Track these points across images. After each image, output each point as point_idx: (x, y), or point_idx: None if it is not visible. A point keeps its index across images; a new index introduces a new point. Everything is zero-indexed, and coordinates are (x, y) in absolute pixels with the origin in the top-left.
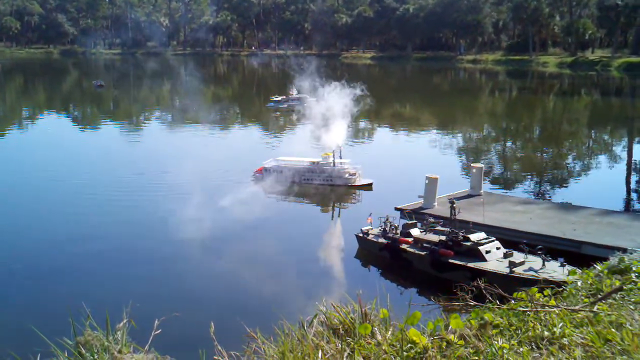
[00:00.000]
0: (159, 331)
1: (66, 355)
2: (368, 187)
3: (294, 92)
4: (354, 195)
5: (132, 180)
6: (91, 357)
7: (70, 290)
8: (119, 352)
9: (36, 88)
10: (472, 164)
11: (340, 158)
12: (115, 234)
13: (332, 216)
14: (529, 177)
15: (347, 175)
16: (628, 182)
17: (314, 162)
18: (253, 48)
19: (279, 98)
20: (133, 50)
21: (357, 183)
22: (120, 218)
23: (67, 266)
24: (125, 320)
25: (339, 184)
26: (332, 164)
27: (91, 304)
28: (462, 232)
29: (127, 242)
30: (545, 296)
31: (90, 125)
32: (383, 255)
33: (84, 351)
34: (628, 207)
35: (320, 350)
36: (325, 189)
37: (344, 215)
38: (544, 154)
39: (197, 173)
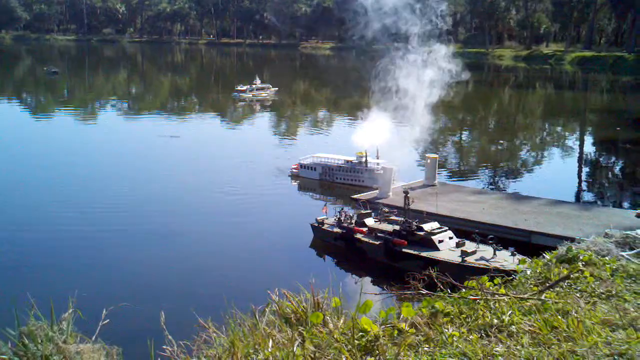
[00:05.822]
0: (106, 321)
1: (9, 345)
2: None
3: (257, 82)
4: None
5: (80, 170)
6: (35, 348)
7: (13, 280)
8: (64, 342)
9: None
10: (427, 155)
11: (377, 158)
12: (61, 223)
13: (300, 207)
14: (484, 168)
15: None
16: (579, 173)
17: (347, 161)
18: (211, 37)
19: (244, 88)
20: (88, 37)
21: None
22: (66, 206)
23: (10, 256)
24: (70, 310)
25: (369, 185)
26: (364, 164)
27: (36, 294)
28: (416, 222)
29: (73, 230)
30: (495, 285)
31: (43, 113)
32: (338, 245)
33: (27, 341)
34: (578, 197)
35: (270, 339)
36: (353, 189)
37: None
38: (499, 146)
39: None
